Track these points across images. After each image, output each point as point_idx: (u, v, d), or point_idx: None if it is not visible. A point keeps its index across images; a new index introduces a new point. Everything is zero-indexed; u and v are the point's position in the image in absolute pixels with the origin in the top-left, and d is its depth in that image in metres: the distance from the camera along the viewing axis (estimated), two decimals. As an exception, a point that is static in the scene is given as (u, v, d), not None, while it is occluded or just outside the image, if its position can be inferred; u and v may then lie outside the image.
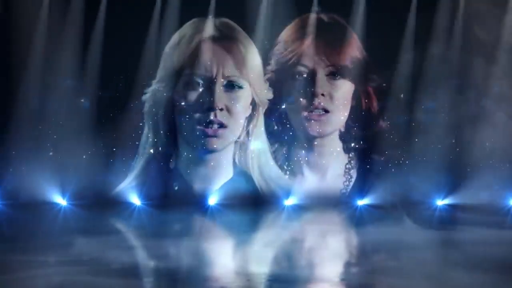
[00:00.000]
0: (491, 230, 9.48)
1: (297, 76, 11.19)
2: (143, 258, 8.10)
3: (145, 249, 8.54)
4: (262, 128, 11.18)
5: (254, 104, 11.09)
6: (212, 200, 11.01)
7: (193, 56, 10.94)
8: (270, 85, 11.15)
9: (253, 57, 11.09)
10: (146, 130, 11.04)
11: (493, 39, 11.12)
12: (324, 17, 11.26)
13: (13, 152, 10.63)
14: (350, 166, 11.34)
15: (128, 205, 10.85)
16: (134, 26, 10.89)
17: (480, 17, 11.02)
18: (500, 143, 11.09)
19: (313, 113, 11.14)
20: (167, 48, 11.02)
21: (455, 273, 7.40)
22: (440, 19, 11.17)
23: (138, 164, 11.03)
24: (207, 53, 10.96)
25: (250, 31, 11.07)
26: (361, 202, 11.21)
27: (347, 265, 7.98)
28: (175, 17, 11.01)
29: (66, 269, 7.23)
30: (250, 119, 11.10)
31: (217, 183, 11.11)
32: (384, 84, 11.28)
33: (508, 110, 11.20)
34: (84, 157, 10.79)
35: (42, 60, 10.74)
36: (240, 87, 10.99)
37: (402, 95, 11.24)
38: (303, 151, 11.28)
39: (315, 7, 11.20)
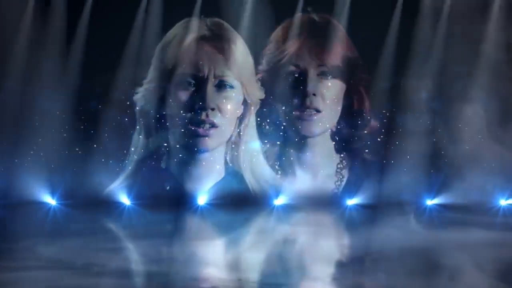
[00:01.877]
0: (481, 231, 9.48)
1: (288, 76, 11.18)
2: (133, 259, 8.08)
3: (134, 250, 8.53)
4: (254, 128, 11.17)
5: (245, 104, 11.07)
6: (202, 200, 11.00)
7: (185, 56, 10.93)
8: (261, 85, 11.14)
9: (245, 57, 11.07)
10: (137, 130, 11.02)
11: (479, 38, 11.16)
12: (315, 17, 11.25)
13: (2, 152, 10.61)
14: (341, 166, 11.33)
15: (119, 205, 10.84)
16: (126, 25, 10.90)
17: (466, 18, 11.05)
18: (491, 143, 11.11)
19: (305, 113, 11.12)
20: (159, 48, 11.00)
21: (446, 274, 7.42)
22: (428, 19, 11.19)
23: (130, 164, 11.01)
24: (199, 53, 10.95)
25: (241, 30, 11.06)
26: (353, 202, 11.21)
27: (337, 266, 7.98)
28: (165, 17, 10.99)
29: (55, 272, 7.22)
30: (241, 119, 11.09)
31: (208, 183, 11.10)
32: (377, 84, 11.27)
33: (501, 109, 11.22)
34: (74, 156, 10.78)
35: (27, 60, 10.70)
36: (232, 87, 10.98)
37: (395, 95, 11.24)
38: (295, 151, 11.27)
39: (307, 7, 11.20)
